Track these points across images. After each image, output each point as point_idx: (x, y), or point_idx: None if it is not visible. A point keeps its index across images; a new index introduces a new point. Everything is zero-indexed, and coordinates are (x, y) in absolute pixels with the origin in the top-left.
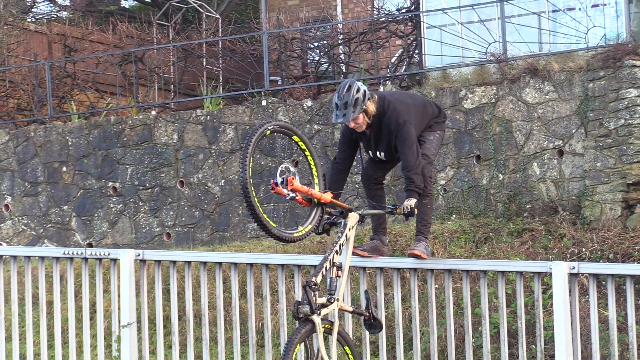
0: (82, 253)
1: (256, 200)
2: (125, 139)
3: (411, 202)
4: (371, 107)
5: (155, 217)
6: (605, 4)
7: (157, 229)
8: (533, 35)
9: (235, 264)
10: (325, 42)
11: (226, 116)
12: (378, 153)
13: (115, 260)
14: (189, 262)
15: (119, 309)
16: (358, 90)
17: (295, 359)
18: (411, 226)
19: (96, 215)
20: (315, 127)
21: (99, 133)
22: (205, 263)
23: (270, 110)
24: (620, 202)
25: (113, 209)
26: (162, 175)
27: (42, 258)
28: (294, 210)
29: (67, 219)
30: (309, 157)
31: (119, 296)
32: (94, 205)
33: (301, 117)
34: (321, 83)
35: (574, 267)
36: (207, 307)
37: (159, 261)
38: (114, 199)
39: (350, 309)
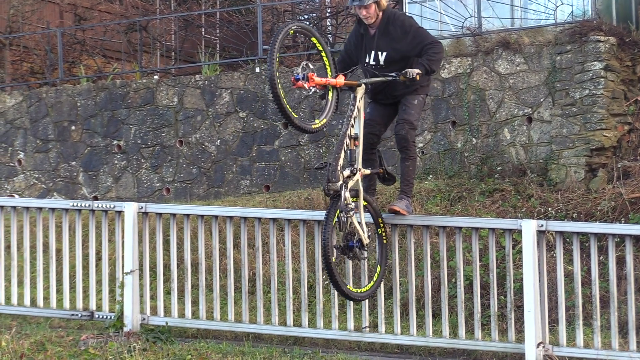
0: (89, 205)
1: (282, 92)
2: (129, 101)
3: (417, 71)
4: (384, 0)
5: (156, 173)
6: None
7: (158, 184)
8: (506, 11)
9: (231, 217)
10: (314, 14)
11: (222, 81)
12: (379, 53)
13: (120, 212)
14: (188, 215)
15: (122, 257)
16: None
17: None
18: (392, 186)
19: (101, 170)
20: (304, 92)
21: (105, 95)
22: (202, 216)
23: (264, 77)
24: (584, 165)
25: (117, 165)
26: (163, 135)
27: (53, 209)
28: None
29: (75, 174)
30: (322, 52)
31: (122, 245)
32: (100, 161)
33: (291, 83)
34: (310, 52)
35: (542, 225)
36: (203, 257)
37: (160, 214)
38: (118, 156)
39: (369, 171)
